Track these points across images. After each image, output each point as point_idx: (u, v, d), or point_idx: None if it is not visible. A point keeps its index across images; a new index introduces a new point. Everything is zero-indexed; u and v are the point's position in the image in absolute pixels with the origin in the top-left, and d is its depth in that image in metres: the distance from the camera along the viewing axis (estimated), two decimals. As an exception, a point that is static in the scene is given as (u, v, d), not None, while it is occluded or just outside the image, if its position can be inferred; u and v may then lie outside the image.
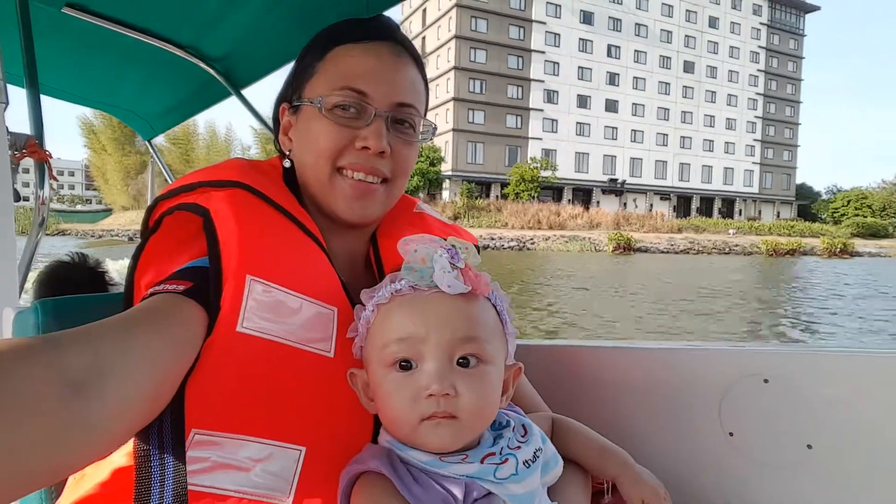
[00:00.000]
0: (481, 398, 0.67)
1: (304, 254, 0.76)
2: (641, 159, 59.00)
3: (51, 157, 1.48)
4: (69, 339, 0.55)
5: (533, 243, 37.16)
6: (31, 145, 1.41)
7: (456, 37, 50.51)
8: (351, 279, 0.82)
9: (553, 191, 52.38)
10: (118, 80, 2.20)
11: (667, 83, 60.77)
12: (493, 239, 36.35)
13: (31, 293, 1.89)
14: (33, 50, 1.41)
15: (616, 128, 57.95)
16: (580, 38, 56.22)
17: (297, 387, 0.68)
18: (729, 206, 64.11)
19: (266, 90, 1.26)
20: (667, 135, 60.61)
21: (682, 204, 61.03)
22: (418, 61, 0.88)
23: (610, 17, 57.65)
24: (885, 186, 70.84)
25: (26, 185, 3.34)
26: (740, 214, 63.59)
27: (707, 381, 1.12)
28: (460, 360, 0.67)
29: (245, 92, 2.01)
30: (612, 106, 57.94)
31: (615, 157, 57.64)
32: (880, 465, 1.02)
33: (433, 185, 46.29)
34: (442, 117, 50.43)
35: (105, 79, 2.20)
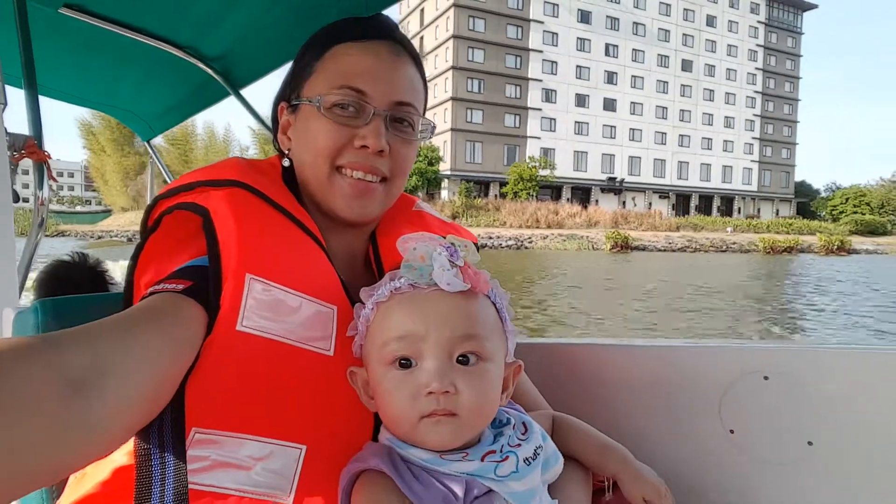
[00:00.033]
0: (481, 396, 0.67)
1: (304, 252, 0.76)
2: (640, 158, 59.00)
3: (50, 158, 1.48)
4: (69, 338, 0.55)
5: (531, 242, 37.16)
6: (30, 146, 1.40)
7: (454, 36, 50.48)
8: (350, 278, 0.82)
9: (552, 190, 52.33)
10: (116, 80, 2.20)
11: (665, 82, 60.78)
12: (490, 238, 36.33)
13: (31, 293, 1.89)
14: (31, 50, 1.41)
15: (614, 126, 57.92)
16: (578, 38, 56.23)
17: (297, 385, 0.68)
18: (728, 204, 64.13)
19: (265, 90, 1.26)
20: (665, 133, 60.63)
21: (681, 202, 61.05)
22: (417, 60, 0.88)
23: (608, 16, 57.66)
24: (884, 184, 70.81)
25: (25, 186, 3.34)
26: (739, 212, 63.64)
27: (708, 379, 1.12)
28: (460, 358, 0.67)
29: (244, 92, 2.00)
30: (610, 105, 57.92)
31: (614, 155, 57.64)
32: (881, 462, 1.03)
33: (432, 184, 46.24)
34: (440, 117, 50.41)
35: (103, 79, 2.20)
